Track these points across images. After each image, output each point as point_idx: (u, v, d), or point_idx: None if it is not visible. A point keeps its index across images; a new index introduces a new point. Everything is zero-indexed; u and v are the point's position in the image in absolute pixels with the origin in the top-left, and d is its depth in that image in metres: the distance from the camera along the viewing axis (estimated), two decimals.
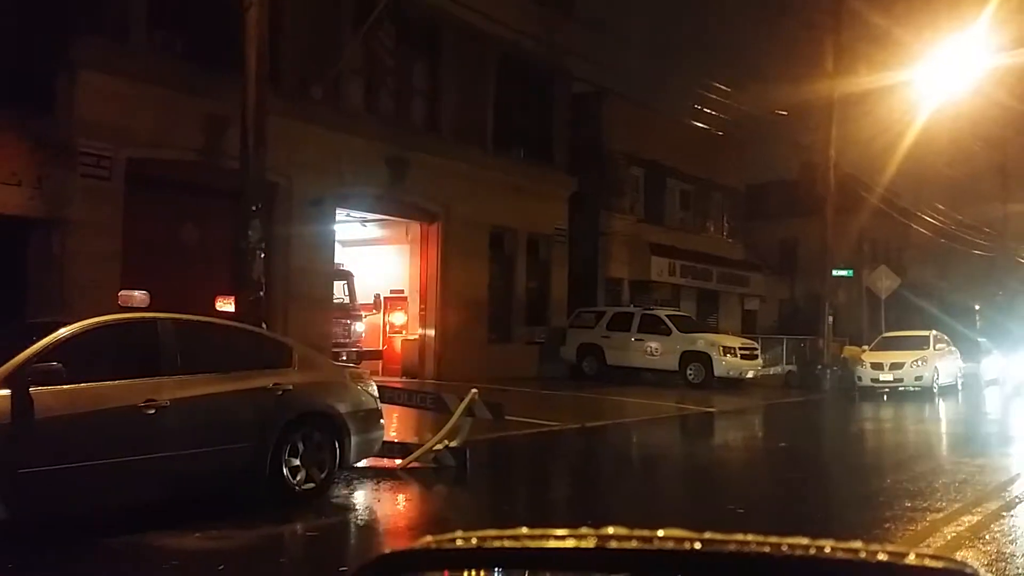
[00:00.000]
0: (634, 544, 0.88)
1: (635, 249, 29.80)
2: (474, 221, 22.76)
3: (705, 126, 29.54)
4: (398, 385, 14.03)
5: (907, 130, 25.97)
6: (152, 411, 6.91)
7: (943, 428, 17.24)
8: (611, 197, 29.14)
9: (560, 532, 0.89)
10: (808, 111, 27.43)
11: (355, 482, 9.15)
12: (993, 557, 6.62)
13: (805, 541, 0.90)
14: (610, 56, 31.04)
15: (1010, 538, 7.32)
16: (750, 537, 0.91)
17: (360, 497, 8.80)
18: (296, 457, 7.96)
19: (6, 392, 6.19)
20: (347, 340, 20.07)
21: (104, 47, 14.75)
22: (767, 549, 0.87)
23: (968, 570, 0.94)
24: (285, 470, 7.83)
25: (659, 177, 31.95)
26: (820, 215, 26.54)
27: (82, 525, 6.65)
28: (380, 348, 22.36)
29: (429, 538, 0.94)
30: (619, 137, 29.25)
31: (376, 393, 9.12)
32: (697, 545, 0.87)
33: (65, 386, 6.48)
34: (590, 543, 0.88)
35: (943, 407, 21.48)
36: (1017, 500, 9.08)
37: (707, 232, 35.31)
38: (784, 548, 0.88)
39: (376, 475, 9.56)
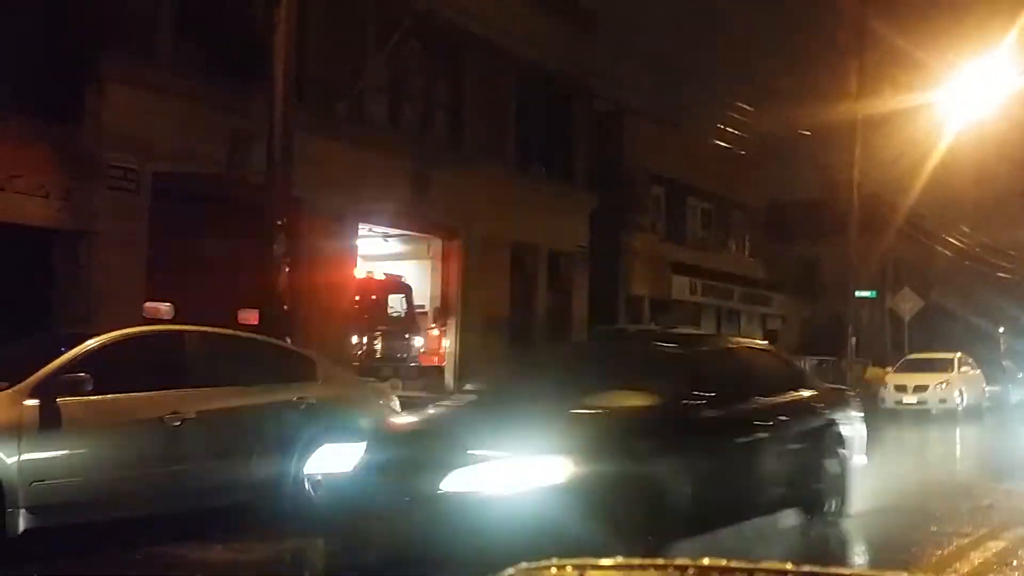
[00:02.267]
0: None
1: (656, 267, 29.71)
2: (495, 238, 22.76)
3: (727, 145, 29.53)
4: (419, 399, 13.99)
5: (932, 151, 25.85)
6: (177, 423, 6.94)
7: (967, 451, 17.04)
8: (632, 215, 29.10)
9: (659, 561, 0.88)
10: (831, 131, 27.37)
11: None
12: None
13: (846, 571, 0.90)
14: (633, 75, 31.10)
15: None
16: (806, 568, 0.90)
17: None
18: None
19: (34, 402, 6.24)
20: (405, 356, 19.55)
21: (131, 61, 14.89)
22: None
23: None
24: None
25: (680, 196, 31.89)
26: (842, 235, 26.43)
27: (106, 536, 6.67)
28: (443, 364, 21.46)
29: (524, 565, 0.93)
30: (640, 155, 29.23)
31: (398, 407, 9.13)
32: None
33: (92, 397, 6.52)
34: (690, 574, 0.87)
35: (968, 430, 21.21)
36: None
37: (728, 251, 35.16)
38: None
39: None
